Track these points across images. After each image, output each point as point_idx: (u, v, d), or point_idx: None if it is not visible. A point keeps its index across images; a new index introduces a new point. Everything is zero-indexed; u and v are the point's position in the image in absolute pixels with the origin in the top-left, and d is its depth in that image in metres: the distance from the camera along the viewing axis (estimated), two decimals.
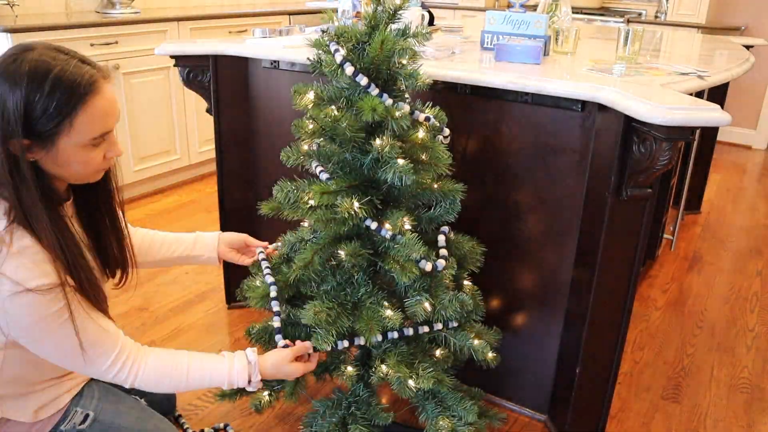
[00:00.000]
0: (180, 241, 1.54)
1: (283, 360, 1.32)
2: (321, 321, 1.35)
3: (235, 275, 2.35)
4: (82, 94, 1.00)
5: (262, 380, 1.31)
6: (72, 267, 1.08)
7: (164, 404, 1.65)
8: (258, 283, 1.49)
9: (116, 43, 3.14)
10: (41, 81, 0.97)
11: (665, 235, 3.08)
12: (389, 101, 1.29)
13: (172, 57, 2.06)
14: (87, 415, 1.34)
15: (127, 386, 1.22)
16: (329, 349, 1.39)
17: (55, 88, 0.97)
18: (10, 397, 1.24)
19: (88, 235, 1.23)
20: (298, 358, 1.36)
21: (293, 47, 1.99)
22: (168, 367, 1.24)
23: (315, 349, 1.38)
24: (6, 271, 0.99)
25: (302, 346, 1.36)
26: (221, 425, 1.80)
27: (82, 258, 1.12)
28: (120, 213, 1.28)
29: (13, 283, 0.99)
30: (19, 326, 1.05)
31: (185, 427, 1.78)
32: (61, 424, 1.30)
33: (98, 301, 1.17)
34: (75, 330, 1.08)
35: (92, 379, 1.41)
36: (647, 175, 1.42)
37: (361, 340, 1.41)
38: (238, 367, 1.28)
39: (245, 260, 1.58)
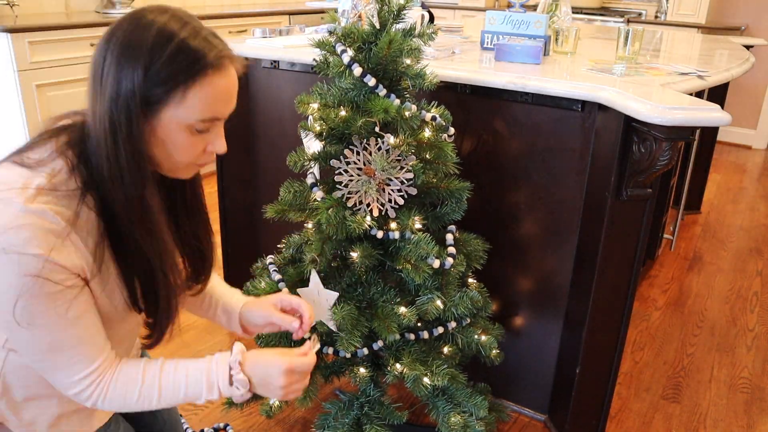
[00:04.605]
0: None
1: (276, 372, 1.02)
2: (346, 324, 1.35)
3: (235, 275, 2.35)
4: (203, 66, 0.88)
5: (249, 385, 1.03)
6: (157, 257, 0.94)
7: None
8: (264, 284, 1.49)
9: None
10: (164, 44, 0.87)
11: (665, 235, 3.08)
12: (397, 102, 1.29)
13: None
14: None
15: (90, 404, 0.99)
16: (349, 355, 1.40)
17: (177, 54, 0.87)
18: (20, 407, 1.04)
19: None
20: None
21: (293, 47, 1.99)
22: (135, 381, 1.01)
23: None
24: (8, 223, 0.85)
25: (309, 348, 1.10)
26: (221, 425, 1.80)
27: (172, 267, 0.98)
28: (209, 225, 1.11)
29: (6, 240, 0.84)
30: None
31: (185, 427, 1.78)
32: None
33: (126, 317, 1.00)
34: (57, 322, 0.91)
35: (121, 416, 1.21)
36: (647, 175, 1.42)
37: (379, 343, 1.41)
38: (218, 358, 1.04)
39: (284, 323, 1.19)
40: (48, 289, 0.86)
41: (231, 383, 1.02)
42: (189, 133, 0.92)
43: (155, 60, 0.86)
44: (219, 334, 2.24)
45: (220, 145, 0.97)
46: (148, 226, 0.93)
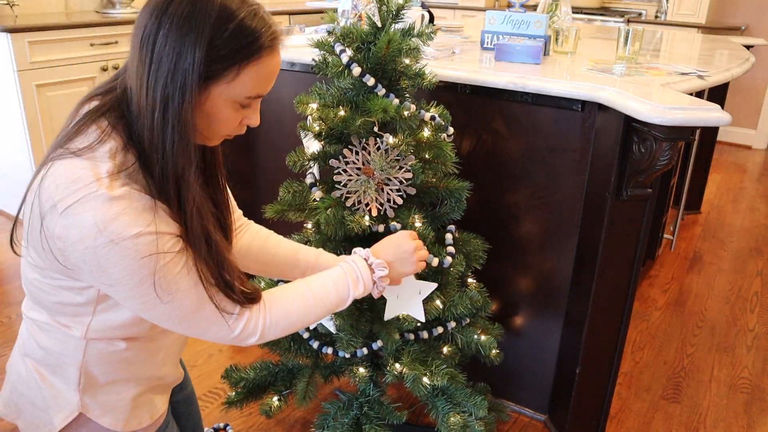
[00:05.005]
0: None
1: (401, 237, 1.14)
2: (346, 325, 1.35)
3: None
4: (260, 47, 0.91)
5: (385, 271, 1.12)
6: (198, 223, 0.96)
7: None
8: (263, 284, 1.49)
9: (116, 43, 3.14)
10: (227, 21, 0.88)
11: (665, 235, 3.08)
12: (396, 101, 1.29)
13: None
14: None
15: (254, 342, 1.04)
16: (348, 355, 1.40)
17: (238, 32, 0.89)
18: (99, 389, 1.06)
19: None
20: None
21: (293, 47, 1.99)
22: (289, 303, 1.07)
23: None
24: (105, 216, 0.86)
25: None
26: (221, 425, 1.80)
27: (214, 228, 1.00)
28: (226, 186, 1.14)
29: (113, 231, 0.86)
30: (130, 282, 0.90)
31: None
32: None
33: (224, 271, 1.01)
34: (193, 280, 0.95)
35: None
36: (647, 175, 1.42)
37: (379, 343, 1.41)
38: (354, 263, 1.12)
39: None
40: (168, 259, 0.90)
41: (373, 271, 1.13)
42: (233, 109, 0.95)
43: (217, 36, 0.87)
44: None
45: (256, 119, 1.01)
46: (190, 195, 0.94)
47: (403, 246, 1.16)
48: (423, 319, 1.37)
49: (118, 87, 0.95)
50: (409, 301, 1.36)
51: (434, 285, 1.35)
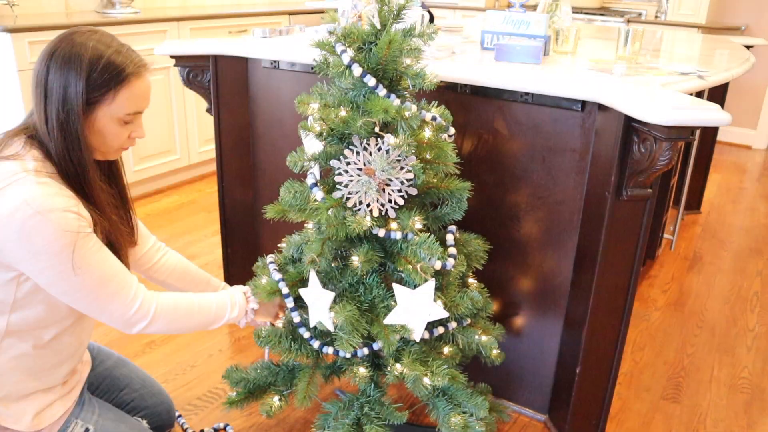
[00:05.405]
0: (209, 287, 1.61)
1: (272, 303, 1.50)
2: (346, 324, 1.35)
3: (235, 275, 2.36)
4: (128, 74, 1.19)
5: (257, 306, 1.46)
6: (106, 218, 1.23)
7: (164, 418, 1.63)
8: (264, 281, 1.49)
9: None
10: (97, 59, 1.16)
11: (665, 235, 3.08)
12: (397, 101, 1.29)
13: (172, 57, 2.06)
14: (87, 429, 1.34)
15: (142, 328, 1.25)
16: (349, 355, 1.40)
17: (108, 67, 1.16)
18: (10, 399, 1.25)
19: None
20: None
21: (293, 47, 1.99)
22: (178, 300, 1.32)
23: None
24: (33, 193, 1.09)
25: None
26: (221, 425, 1.80)
27: (113, 214, 1.28)
28: (129, 193, 1.41)
29: (40, 204, 1.08)
30: (50, 251, 1.10)
31: (185, 427, 1.78)
32: None
33: (120, 254, 1.27)
34: (102, 258, 1.18)
35: (91, 394, 1.45)
36: (647, 175, 1.42)
37: (379, 344, 1.41)
38: (235, 292, 1.43)
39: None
40: (84, 235, 1.14)
41: (248, 302, 1.44)
42: (118, 125, 1.21)
43: (93, 71, 1.15)
44: (219, 334, 2.24)
45: (141, 132, 1.28)
46: (94, 193, 1.21)
47: (271, 303, 1.51)
48: (418, 339, 1.39)
49: (29, 125, 1.20)
50: (415, 316, 1.37)
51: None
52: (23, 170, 1.11)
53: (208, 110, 2.16)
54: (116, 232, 1.27)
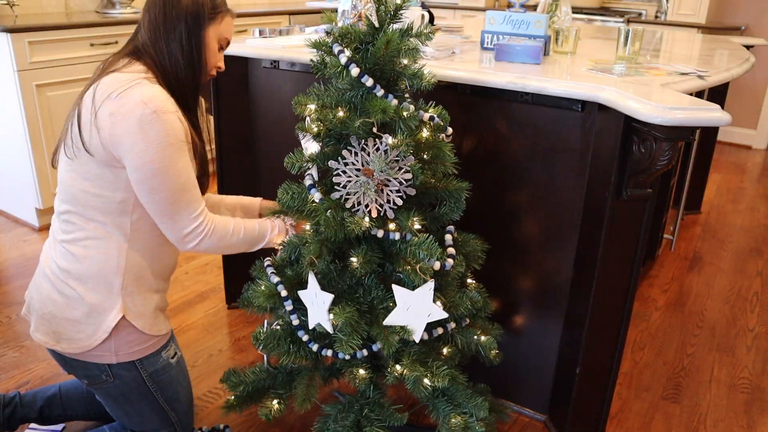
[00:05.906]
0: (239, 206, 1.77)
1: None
2: (346, 326, 1.34)
3: (235, 275, 2.35)
4: (228, 8, 1.45)
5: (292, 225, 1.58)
6: (199, 137, 1.43)
7: None
8: (263, 287, 1.48)
9: (116, 43, 3.14)
10: None
11: (665, 235, 3.08)
12: (395, 102, 1.29)
13: None
14: (176, 354, 1.55)
15: (195, 245, 1.39)
16: (348, 357, 1.39)
17: None
18: (136, 292, 1.42)
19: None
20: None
21: (293, 47, 1.99)
22: (227, 222, 1.45)
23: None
24: (150, 94, 1.28)
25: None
26: (221, 426, 1.80)
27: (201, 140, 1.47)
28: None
29: (155, 105, 1.26)
30: (159, 144, 1.27)
31: None
32: (162, 351, 1.49)
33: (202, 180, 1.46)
34: (189, 167, 1.34)
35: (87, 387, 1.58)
36: (647, 175, 1.42)
37: (378, 345, 1.41)
38: (273, 218, 1.56)
39: None
40: (182, 140, 1.32)
41: (285, 222, 1.56)
42: (217, 47, 1.44)
43: None
44: (219, 334, 2.24)
45: (222, 64, 1.49)
46: (196, 109, 1.45)
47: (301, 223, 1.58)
48: (418, 340, 1.39)
49: (132, 48, 1.38)
50: (415, 317, 1.36)
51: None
52: (137, 77, 1.31)
53: (208, 110, 2.16)
54: (202, 157, 1.45)
